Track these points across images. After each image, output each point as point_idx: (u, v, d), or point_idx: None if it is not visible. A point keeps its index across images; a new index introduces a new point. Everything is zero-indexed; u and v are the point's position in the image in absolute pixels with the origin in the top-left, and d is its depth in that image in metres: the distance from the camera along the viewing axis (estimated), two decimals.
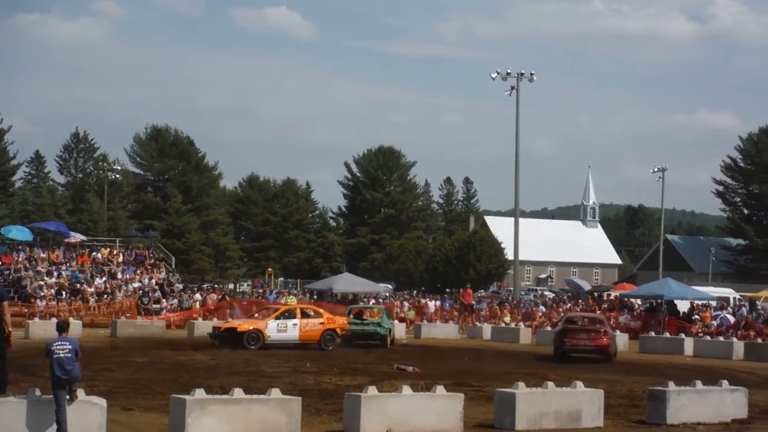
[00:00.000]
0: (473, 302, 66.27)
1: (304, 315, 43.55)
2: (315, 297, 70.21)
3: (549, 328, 55.11)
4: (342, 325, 44.19)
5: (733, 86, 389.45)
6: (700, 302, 60.48)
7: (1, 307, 19.42)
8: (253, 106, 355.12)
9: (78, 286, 58.77)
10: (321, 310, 46.09)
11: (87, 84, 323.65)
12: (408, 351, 43.14)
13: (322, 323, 43.13)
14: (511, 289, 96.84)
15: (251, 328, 41.52)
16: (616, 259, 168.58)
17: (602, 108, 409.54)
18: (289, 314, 43.22)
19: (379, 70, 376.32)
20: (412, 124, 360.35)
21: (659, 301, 57.96)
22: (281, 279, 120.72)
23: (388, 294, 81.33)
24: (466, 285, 69.94)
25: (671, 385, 22.75)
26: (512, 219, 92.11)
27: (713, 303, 61.64)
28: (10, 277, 57.49)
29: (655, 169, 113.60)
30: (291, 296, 69.05)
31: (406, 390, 20.34)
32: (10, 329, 19.56)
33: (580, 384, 22.39)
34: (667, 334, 50.68)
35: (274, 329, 41.80)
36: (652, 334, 50.89)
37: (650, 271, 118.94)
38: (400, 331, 52.11)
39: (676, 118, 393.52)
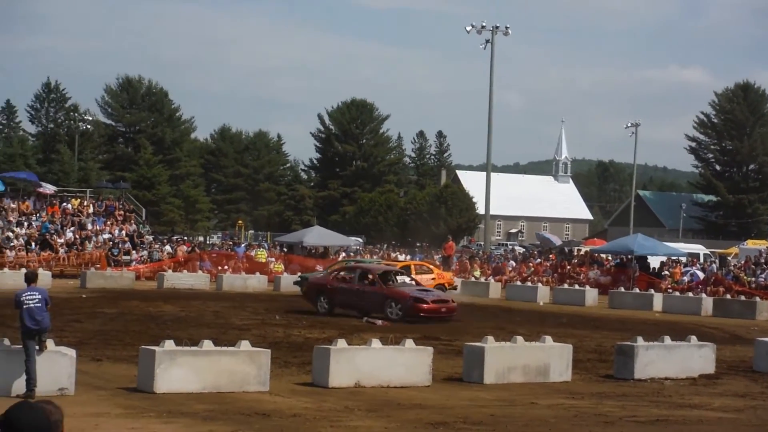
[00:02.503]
0: (453, 255, 65.99)
1: (418, 271, 45.22)
2: (285, 250, 70.18)
3: (519, 283, 55.37)
4: (450, 281, 46.42)
5: (705, 42, 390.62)
6: (670, 258, 60.75)
7: None
8: (221, 57, 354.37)
9: (48, 236, 58.52)
10: (432, 266, 48.16)
11: (56, 33, 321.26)
12: None
13: (433, 278, 44.98)
14: (482, 243, 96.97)
15: None
16: (587, 215, 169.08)
17: (573, 63, 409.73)
18: (405, 270, 44.24)
19: (349, 23, 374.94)
20: (382, 78, 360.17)
21: (629, 256, 58.21)
22: (251, 231, 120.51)
23: (358, 247, 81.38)
24: (448, 237, 69.73)
25: (640, 341, 22.92)
26: (484, 173, 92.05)
27: (683, 259, 61.95)
28: None
29: (628, 125, 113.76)
30: (261, 249, 68.97)
31: (375, 343, 20.42)
32: None
33: (548, 339, 22.53)
34: (637, 290, 50.94)
35: None
36: (622, 289, 51.14)
37: (621, 227, 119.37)
38: None
39: (648, 73, 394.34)
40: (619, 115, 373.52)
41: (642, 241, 58.47)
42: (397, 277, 38.25)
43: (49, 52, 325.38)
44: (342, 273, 38.76)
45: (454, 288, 46.52)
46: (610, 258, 64.12)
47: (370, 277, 37.06)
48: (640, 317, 41.43)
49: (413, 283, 38.80)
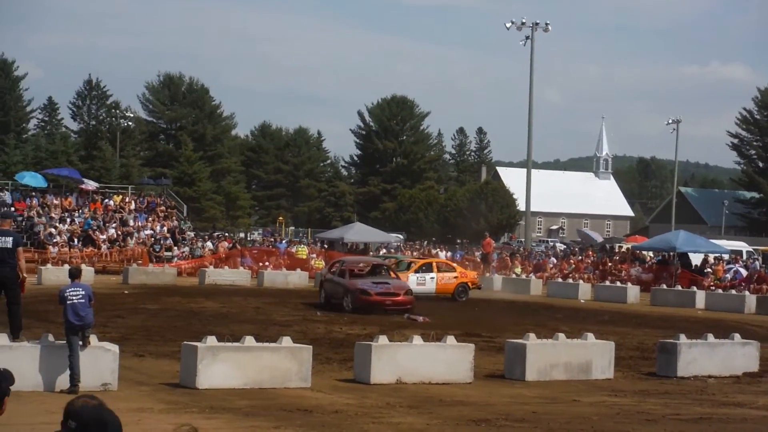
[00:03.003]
0: (493, 252, 65.65)
1: (441, 269, 45.62)
2: (326, 246, 70.26)
3: (560, 280, 55.13)
4: (473, 279, 46.53)
5: (746, 38, 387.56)
6: (712, 255, 60.28)
7: (16, 253, 19.46)
8: (261, 54, 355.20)
9: (90, 232, 58.88)
10: (455, 265, 48.78)
11: (98, 31, 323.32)
12: (418, 301, 43.16)
13: (455, 277, 45.13)
14: (522, 240, 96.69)
15: None
16: (628, 212, 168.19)
17: (613, 59, 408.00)
18: (427, 268, 45.16)
19: (389, 20, 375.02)
20: (422, 74, 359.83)
21: (671, 253, 57.84)
22: (292, 228, 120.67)
23: (398, 244, 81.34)
24: (485, 234, 69.54)
25: (682, 338, 22.78)
26: (524, 170, 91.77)
27: (726, 256, 61.42)
28: (24, 224, 57.56)
29: (669, 121, 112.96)
30: (302, 245, 69.08)
31: (417, 340, 20.40)
32: (24, 275, 19.62)
33: (590, 336, 22.43)
34: (679, 287, 50.62)
35: (413, 282, 42.51)
36: (664, 286, 50.87)
37: (663, 223, 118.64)
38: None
39: (689, 69, 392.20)
40: (660, 112, 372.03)
41: (684, 238, 58.06)
42: (384, 272, 39.41)
43: (91, 49, 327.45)
44: (333, 267, 40.08)
45: (478, 287, 46.40)
46: (651, 255, 63.75)
47: (344, 270, 38.32)
48: (683, 315, 41.16)
49: (394, 278, 39.33)
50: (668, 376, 22.17)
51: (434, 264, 46.40)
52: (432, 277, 44.30)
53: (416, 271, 44.07)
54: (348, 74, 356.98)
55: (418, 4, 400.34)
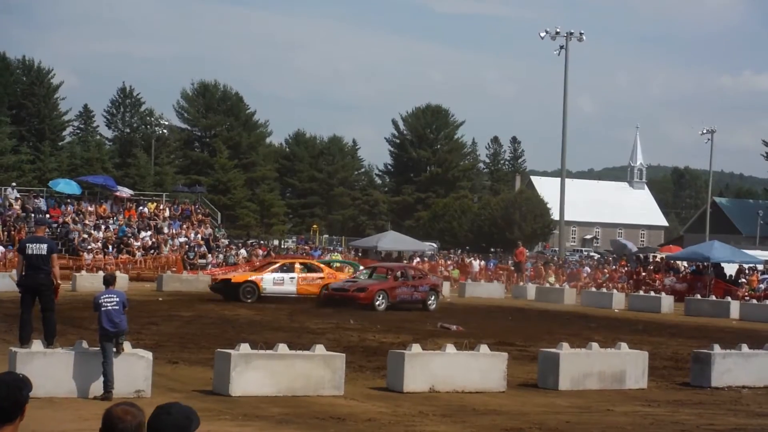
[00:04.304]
0: (525, 262, 65.60)
1: (306, 269, 43.61)
2: (360, 254, 70.32)
3: (593, 289, 54.96)
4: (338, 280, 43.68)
5: None
6: (747, 265, 59.99)
7: (50, 260, 19.57)
8: (295, 62, 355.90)
9: (125, 239, 59.16)
10: (322, 265, 45.92)
11: (131, 39, 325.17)
12: (452, 310, 43.14)
13: (321, 278, 42.97)
14: (556, 249, 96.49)
15: (246, 280, 41.51)
16: (662, 221, 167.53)
17: (647, 69, 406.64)
18: (288, 267, 43.18)
19: (423, 28, 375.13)
20: (456, 83, 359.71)
21: (705, 263, 57.57)
22: (326, 236, 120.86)
23: (432, 252, 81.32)
24: (518, 243, 69.33)
25: (716, 348, 22.66)
26: (558, 179, 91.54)
27: (760, 266, 61.13)
28: (58, 230, 57.90)
29: (704, 131, 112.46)
30: (336, 253, 69.17)
31: (450, 348, 20.37)
32: (58, 282, 19.73)
33: (624, 345, 22.34)
34: (713, 297, 50.36)
35: (270, 282, 41.76)
36: (698, 296, 50.67)
37: (697, 233, 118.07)
38: (444, 290, 52.13)
39: (722, 79, 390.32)
40: (694, 121, 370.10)
41: (718, 248, 57.81)
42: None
43: (125, 57, 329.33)
44: None
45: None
46: (686, 265, 63.48)
47: None
48: (717, 325, 40.96)
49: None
50: (702, 386, 22.05)
51: (296, 264, 44.38)
52: (292, 278, 42.44)
53: (274, 271, 42.24)
54: (381, 82, 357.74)
55: (452, 13, 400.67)
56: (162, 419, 5.47)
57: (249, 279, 41.71)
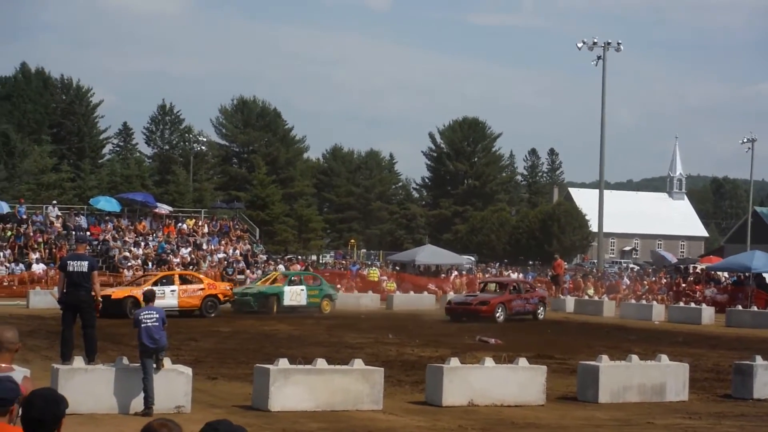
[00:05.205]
0: (564, 274, 65.28)
1: (183, 281, 42.68)
2: (397, 268, 70.32)
3: (633, 301, 54.68)
4: (225, 291, 43.33)
5: None
6: None
7: (91, 277, 19.72)
8: (331, 78, 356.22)
9: (164, 256, 59.44)
10: (201, 276, 45.22)
11: (169, 57, 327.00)
12: (488, 324, 43.06)
13: (202, 289, 42.16)
14: (595, 261, 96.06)
15: (127, 295, 39.89)
16: (702, 232, 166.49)
17: (685, 78, 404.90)
18: (167, 280, 42.37)
19: (457, 41, 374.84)
20: (493, 96, 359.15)
21: (747, 274, 57.19)
22: (364, 250, 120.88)
23: (470, 266, 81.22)
24: (555, 256, 69.09)
25: (758, 359, 22.52)
26: (597, 191, 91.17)
27: None
28: (99, 247, 58.26)
29: (744, 140, 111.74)
30: (373, 267, 69.22)
31: (489, 362, 20.35)
32: (99, 299, 19.89)
33: (664, 357, 22.24)
34: (755, 308, 50.02)
35: None
36: (740, 307, 50.29)
37: (738, 244, 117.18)
38: None
39: (761, 87, 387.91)
40: (734, 131, 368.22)
41: (760, 258, 57.38)
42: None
43: (163, 75, 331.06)
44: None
45: (228, 299, 43.52)
46: (726, 276, 63.07)
47: None
48: (759, 336, 40.61)
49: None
50: (744, 398, 21.91)
51: (176, 276, 43.36)
52: (173, 290, 41.34)
53: (154, 284, 40.73)
54: (417, 96, 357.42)
55: (488, 25, 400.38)
56: None
57: (130, 294, 39.85)
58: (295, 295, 45.49)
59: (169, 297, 40.72)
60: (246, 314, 42.83)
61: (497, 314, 43.47)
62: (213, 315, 41.52)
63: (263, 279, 49.49)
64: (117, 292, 40.37)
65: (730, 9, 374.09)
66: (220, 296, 42.65)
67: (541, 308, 46.32)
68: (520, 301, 45.23)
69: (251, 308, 44.19)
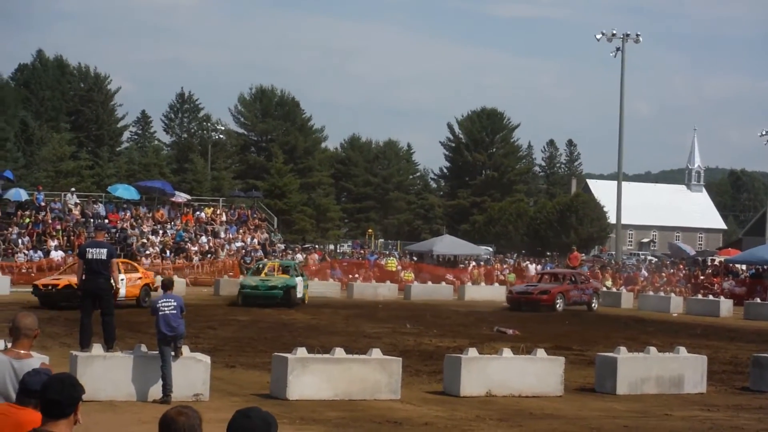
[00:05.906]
0: (579, 266, 65.17)
1: (126, 270, 39.87)
2: (415, 258, 70.31)
3: (651, 293, 54.57)
4: (153, 280, 40.75)
5: None
6: None
7: (110, 264, 19.78)
8: (350, 68, 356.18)
9: (182, 244, 59.54)
10: (138, 266, 43.49)
11: (187, 46, 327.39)
12: (508, 314, 43.07)
13: (140, 278, 40.33)
14: (613, 253, 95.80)
15: (65, 284, 37.27)
16: (720, 224, 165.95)
17: (704, 70, 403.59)
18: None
19: (477, 32, 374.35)
20: (511, 87, 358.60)
21: (765, 266, 57.05)
22: (381, 240, 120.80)
23: (488, 256, 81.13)
24: (572, 248, 68.97)
25: None
26: (615, 182, 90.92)
27: None
28: (117, 235, 58.36)
29: (763, 133, 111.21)
30: (391, 257, 69.23)
31: (507, 353, 20.34)
32: (117, 286, 19.95)
33: (682, 349, 22.20)
34: None
35: None
36: (758, 300, 50.16)
37: (756, 236, 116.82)
38: (500, 293, 52.07)
39: None
40: (752, 123, 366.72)
41: None
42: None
43: (182, 63, 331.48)
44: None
45: (154, 289, 39.31)
46: (745, 268, 62.93)
47: None
48: None
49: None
50: (762, 390, 21.84)
51: (119, 263, 40.21)
52: (122, 279, 37.69)
53: None
54: (436, 86, 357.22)
55: (507, 16, 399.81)
56: (241, 423, 5.61)
57: (69, 283, 36.25)
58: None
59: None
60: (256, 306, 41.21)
61: (557, 303, 45.37)
62: (146, 305, 37.36)
63: (263, 271, 46.77)
64: (63, 281, 38.14)
65: (750, 0, 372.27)
66: (151, 285, 40.17)
67: (595, 299, 48.21)
68: (577, 291, 47.38)
69: (274, 302, 41.41)
